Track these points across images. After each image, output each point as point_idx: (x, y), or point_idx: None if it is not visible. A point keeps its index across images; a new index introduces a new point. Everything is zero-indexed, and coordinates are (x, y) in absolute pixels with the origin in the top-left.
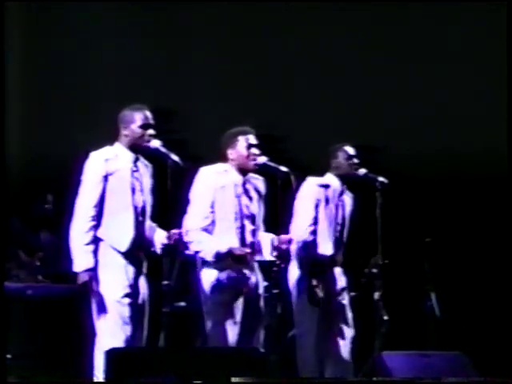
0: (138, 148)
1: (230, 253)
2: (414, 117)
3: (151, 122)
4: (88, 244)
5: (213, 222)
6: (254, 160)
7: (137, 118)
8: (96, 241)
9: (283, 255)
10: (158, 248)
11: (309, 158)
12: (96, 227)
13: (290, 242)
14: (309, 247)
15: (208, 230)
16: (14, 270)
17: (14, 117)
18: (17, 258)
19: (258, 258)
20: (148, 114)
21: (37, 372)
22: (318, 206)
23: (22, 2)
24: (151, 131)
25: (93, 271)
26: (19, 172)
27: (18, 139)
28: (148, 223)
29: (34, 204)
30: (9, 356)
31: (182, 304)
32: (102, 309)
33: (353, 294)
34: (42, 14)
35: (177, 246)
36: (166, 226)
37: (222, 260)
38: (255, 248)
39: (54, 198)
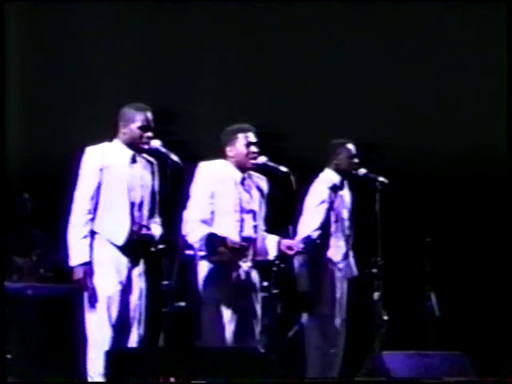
0: (135, 147)
1: (223, 241)
2: (414, 116)
3: (151, 124)
4: (85, 237)
5: (212, 214)
6: (253, 158)
7: (137, 119)
8: (92, 235)
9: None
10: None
11: (308, 158)
12: (92, 220)
13: (291, 248)
14: (318, 246)
15: (207, 222)
16: (12, 274)
17: (12, 117)
18: (12, 263)
19: (259, 258)
20: (149, 115)
21: (37, 372)
22: (327, 205)
23: (22, 2)
24: (150, 134)
25: (88, 266)
26: (17, 172)
27: (15, 139)
28: (149, 220)
29: (13, 205)
30: (9, 356)
31: (182, 304)
32: (94, 304)
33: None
34: (42, 14)
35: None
36: (165, 226)
37: (216, 248)
38: (256, 246)
39: (30, 196)
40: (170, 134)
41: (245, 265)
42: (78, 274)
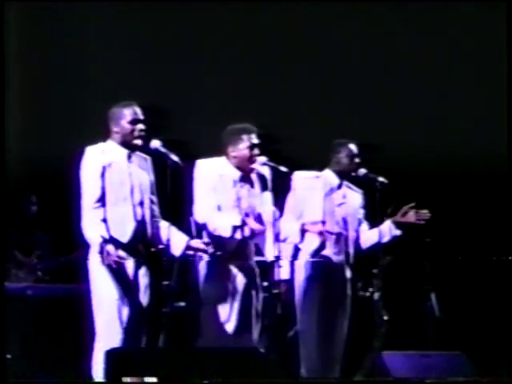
0: (130, 144)
1: (244, 224)
2: (414, 116)
3: (140, 117)
4: (104, 221)
5: (218, 208)
6: (255, 161)
7: (126, 114)
8: None
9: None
10: (177, 250)
11: (308, 158)
12: (104, 213)
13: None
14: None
15: (220, 208)
16: (12, 270)
17: (11, 117)
18: (14, 259)
19: (258, 258)
20: (137, 109)
21: (37, 372)
22: (304, 200)
23: (22, 2)
24: (141, 126)
25: (110, 242)
26: (16, 172)
27: (15, 139)
28: (161, 222)
29: (19, 205)
30: (9, 356)
31: (182, 304)
32: (102, 306)
33: (362, 293)
34: (42, 14)
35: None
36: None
37: (237, 232)
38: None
39: (37, 199)
40: (169, 134)
41: (249, 268)
42: (109, 252)
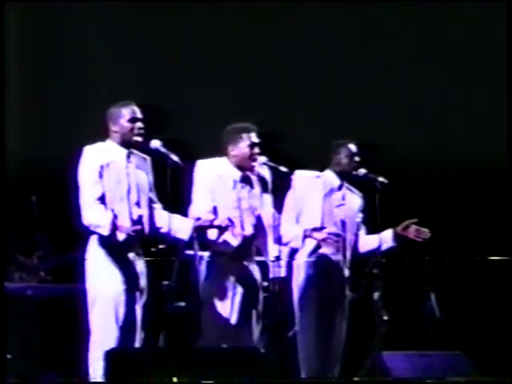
0: (129, 144)
1: (226, 228)
2: (414, 116)
3: (139, 115)
4: (107, 210)
5: (215, 210)
6: (255, 160)
7: (124, 113)
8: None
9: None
10: (184, 234)
11: (308, 158)
12: (106, 208)
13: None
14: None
15: (217, 209)
16: (15, 272)
17: (11, 117)
18: (15, 261)
19: (258, 257)
20: (135, 108)
21: (37, 372)
22: (303, 198)
23: (22, 2)
24: (140, 124)
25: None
26: (16, 172)
27: (15, 139)
28: (162, 213)
29: (19, 206)
30: (9, 356)
31: (182, 304)
32: (99, 304)
33: (353, 294)
34: (42, 14)
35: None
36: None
37: (222, 235)
38: (258, 245)
39: (37, 199)
40: (163, 129)
41: (249, 268)
42: (122, 227)
